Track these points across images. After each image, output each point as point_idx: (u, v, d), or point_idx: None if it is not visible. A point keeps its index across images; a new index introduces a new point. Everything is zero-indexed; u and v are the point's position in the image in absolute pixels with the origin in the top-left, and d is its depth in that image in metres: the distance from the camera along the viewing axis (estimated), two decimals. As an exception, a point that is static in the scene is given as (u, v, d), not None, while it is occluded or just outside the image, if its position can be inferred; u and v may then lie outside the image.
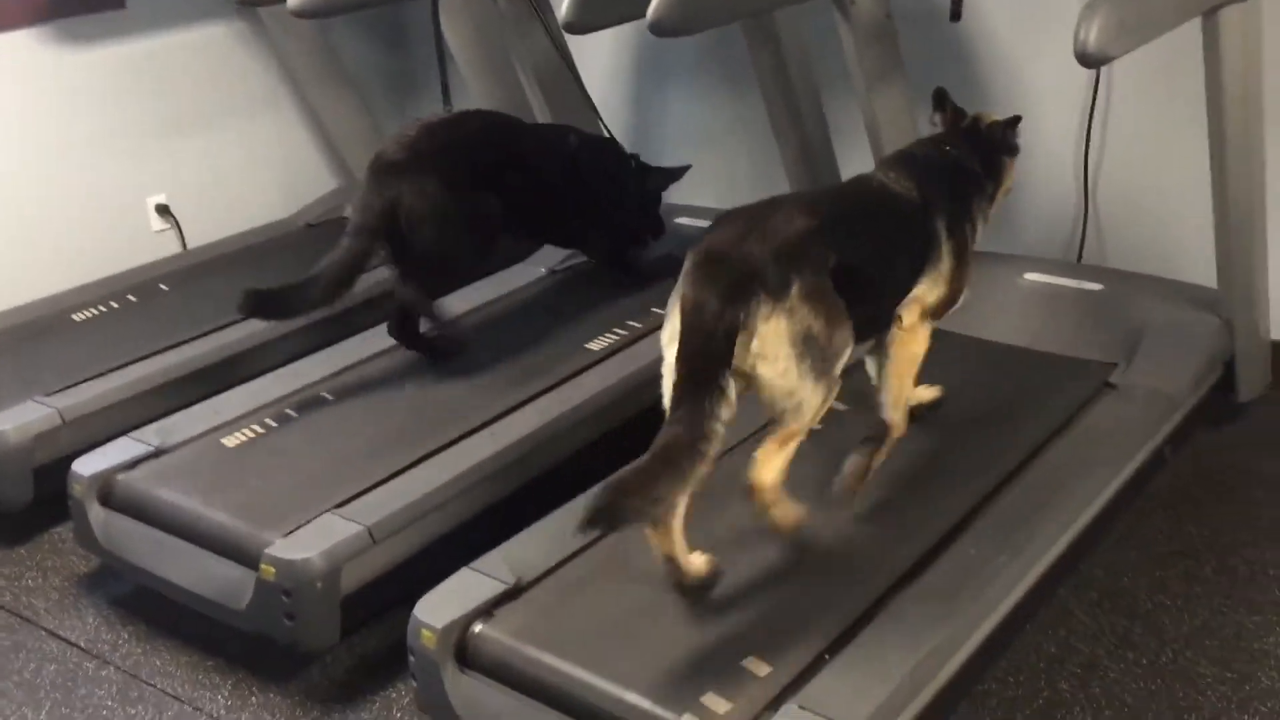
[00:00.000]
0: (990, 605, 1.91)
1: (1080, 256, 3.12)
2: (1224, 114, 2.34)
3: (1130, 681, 2.06)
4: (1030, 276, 2.88)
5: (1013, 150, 2.28)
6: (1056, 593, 2.23)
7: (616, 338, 2.83)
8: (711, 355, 1.72)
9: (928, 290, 2.10)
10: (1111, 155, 3.04)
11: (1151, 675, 2.07)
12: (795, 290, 1.76)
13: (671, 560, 1.88)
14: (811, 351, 1.78)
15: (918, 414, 2.29)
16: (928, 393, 2.37)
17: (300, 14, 2.81)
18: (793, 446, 1.86)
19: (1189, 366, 2.52)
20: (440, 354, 2.76)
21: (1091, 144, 3.03)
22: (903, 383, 2.14)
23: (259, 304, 2.62)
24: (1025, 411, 2.42)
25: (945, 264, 2.11)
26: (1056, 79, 2.96)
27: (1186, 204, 2.80)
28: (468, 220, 2.67)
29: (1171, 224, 2.94)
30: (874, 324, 2.08)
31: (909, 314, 2.10)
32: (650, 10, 2.22)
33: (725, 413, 1.71)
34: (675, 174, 3.17)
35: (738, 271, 1.76)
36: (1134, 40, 2.03)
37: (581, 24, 2.42)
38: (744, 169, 3.57)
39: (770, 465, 1.84)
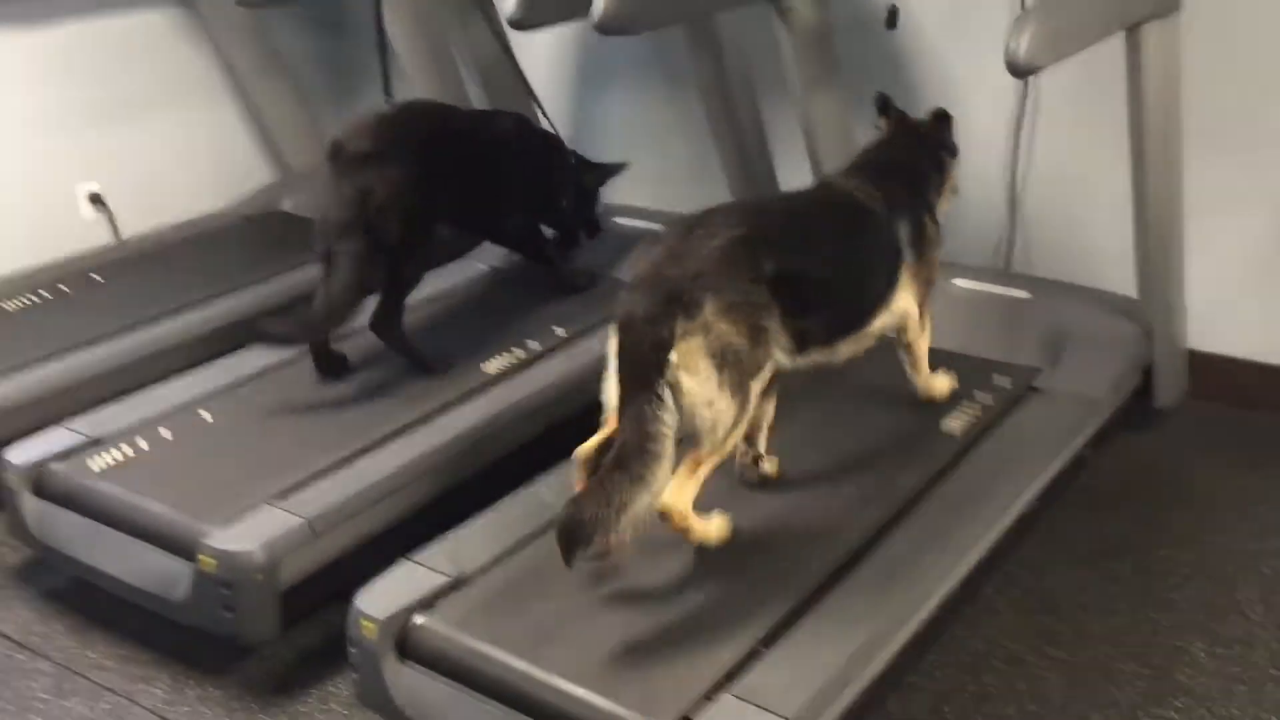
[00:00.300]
0: (919, 600, 1.97)
1: (1008, 264, 3.21)
2: (1144, 127, 2.43)
3: (1053, 676, 2.13)
4: (959, 282, 2.96)
5: (952, 150, 2.40)
6: (983, 590, 2.31)
7: (557, 337, 2.86)
8: (644, 367, 1.82)
9: (908, 294, 2.25)
10: (1039, 165, 3.13)
11: (1073, 670, 2.15)
12: (709, 308, 1.84)
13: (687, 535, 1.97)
14: (730, 363, 1.86)
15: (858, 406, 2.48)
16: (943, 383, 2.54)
17: (244, 3, 2.79)
18: (704, 472, 1.92)
19: (1109, 372, 2.62)
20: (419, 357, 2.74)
21: (1020, 154, 3.12)
22: (922, 369, 2.44)
23: (267, 330, 2.57)
24: (953, 413, 2.50)
25: (912, 262, 2.24)
26: (987, 89, 3.05)
27: (1110, 214, 2.90)
28: (430, 211, 2.66)
29: (1096, 234, 3.03)
30: (849, 324, 2.17)
31: (909, 325, 2.30)
32: (598, 9, 2.27)
33: (667, 417, 1.80)
34: (613, 170, 3.20)
35: (661, 292, 1.85)
36: (1062, 51, 2.12)
37: (528, 21, 2.46)
38: (682, 169, 3.62)
39: (682, 490, 1.90)
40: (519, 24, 2.46)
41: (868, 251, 2.18)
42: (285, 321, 2.65)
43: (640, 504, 1.76)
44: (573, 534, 1.74)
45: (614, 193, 3.61)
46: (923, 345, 2.40)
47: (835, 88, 2.92)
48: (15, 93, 3.46)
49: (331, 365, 2.69)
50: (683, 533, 1.95)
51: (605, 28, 2.29)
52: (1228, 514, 2.57)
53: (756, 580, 1.98)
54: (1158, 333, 2.71)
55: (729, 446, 1.93)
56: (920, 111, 2.47)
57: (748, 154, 3.15)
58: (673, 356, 1.81)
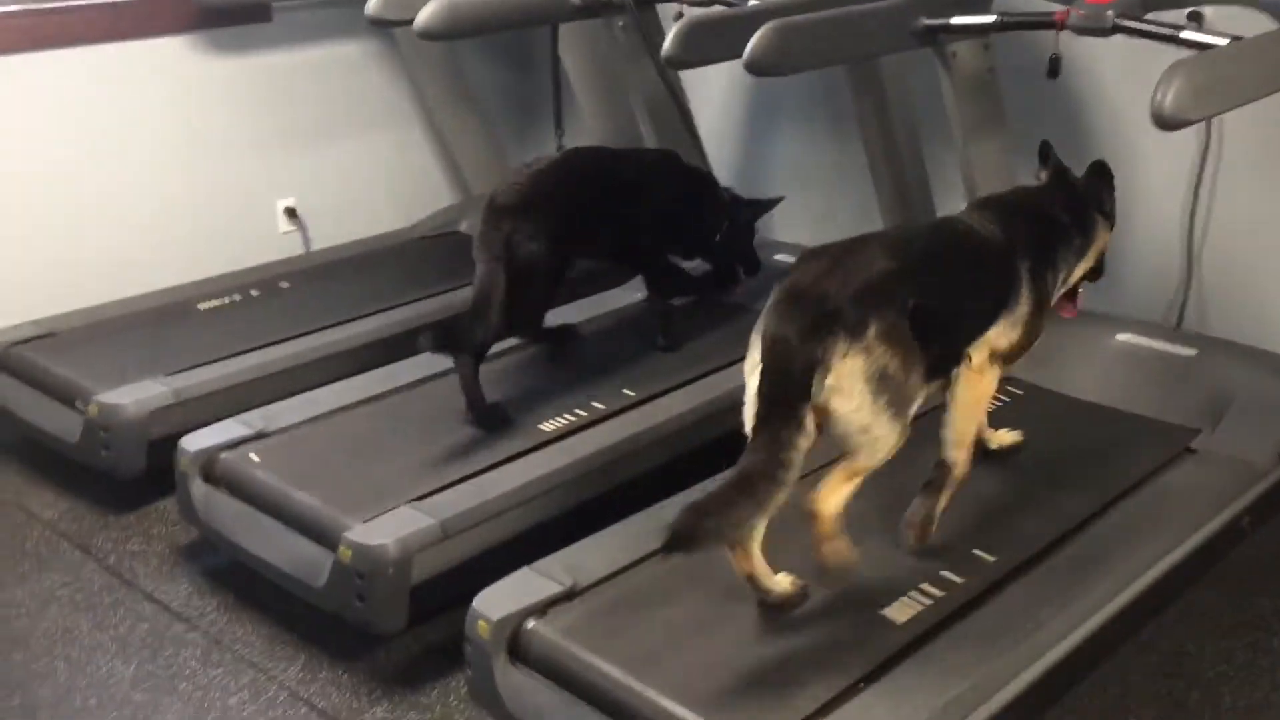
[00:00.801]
0: (1031, 655, 1.92)
1: (1180, 322, 3.08)
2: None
3: (1180, 747, 2.05)
4: (1122, 337, 2.86)
5: (1106, 212, 2.31)
6: (1116, 652, 2.22)
7: (705, 363, 2.90)
8: (790, 389, 1.79)
9: (1001, 333, 2.12)
10: (1218, 219, 3.00)
11: (1203, 742, 2.06)
12: (873, 330, 1.81)
13: (753, 580, 1.96)
14: (887, 390, 1.83)
15: (994, 455, 2.36)
16: (1008, 436, 2.43)
17: (425, 36, 2.97)
18: (858, 481, 1.91)
19: (1273, 437, 2.49)
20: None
21: (1198, 206, 3.00)
22: (968, 424, 2.16)
23: (432, 337, 2.67)
24: (1100, 468, 2.42)
25: (1023, 309, 2.14)
26: (1164, 140, 2.91)
27: (1289, 274, 2.77)
28: (564, 263, 2.78)
29: (1273, 294, 2.89)
30: (948, 363, 2.10)
31: (978, 355, 2.12)
32: (747, 50, 2.32)
33: (803, 443, 1.78)
34: (768, 205, 3.23)
35: (817, 309, 1.82)
36: (1214, 107, 2.04)
37: (682, 59, 2.53)
38: (843, 209, 3.62)
39: (834, 494, 1.89)
40: (673, 62, 2.54)
41: (982, 290, 2.11)
42: (440, 327, 2.74)
43: (753, 525, 1.79)
44: (683, 537, 1.75)
45: (778, 230, 3.66)
46: (980, 389, 2.14)
47: (998, 134, 2.89)
48: (227, 113, 3.75)
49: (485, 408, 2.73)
50: (820, 539, 1.89)
51: (754, 68, 2.35)
52: (1398, 598, 2.40)
53: (866, 617, 1.97)
54: (1330, 400, 2.56)
55: (883, 461, 1.91)
56: (1086, 160, 2.41)
57: (908, 196, 3.14)
58: (829, 380, 1.79)
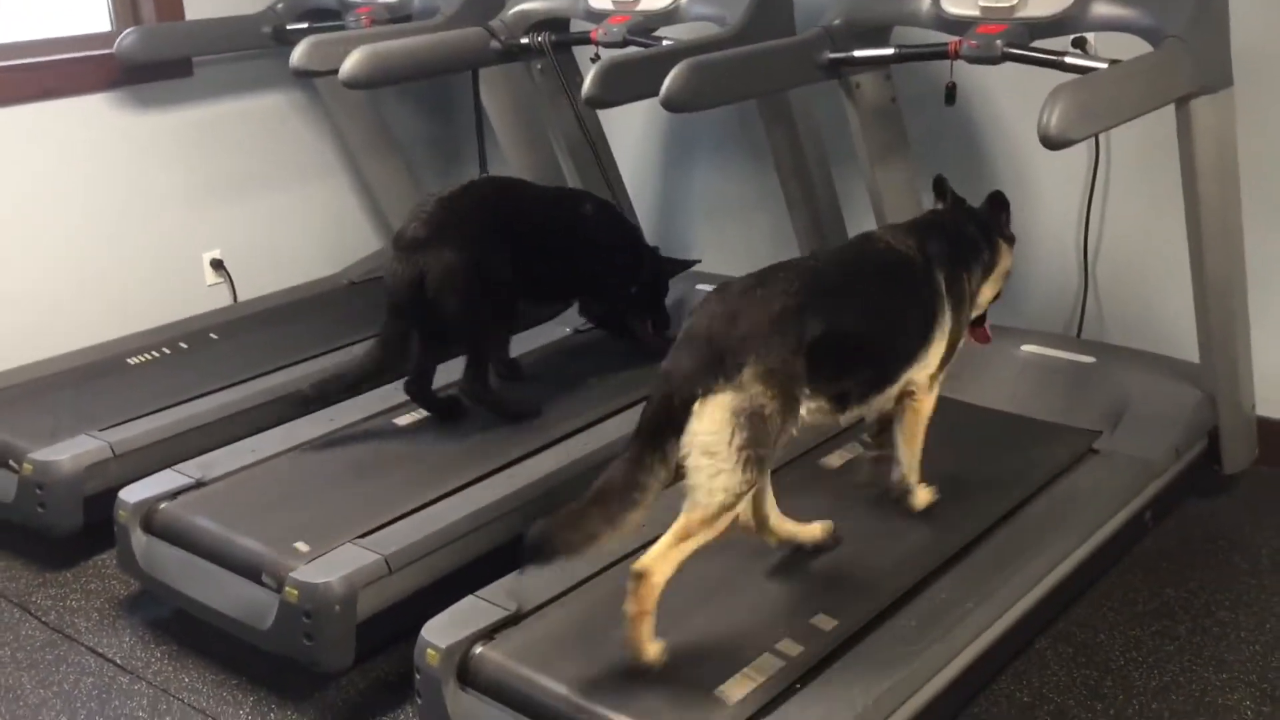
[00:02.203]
0: (955, 648, 2.03)
1: (1080, 332, 3.25)
2: (1198, 198, 2.48)
3: (1097, 730, 2.16)
4: (1027, 348, 3.01)
5: (1006, 235, 2.43)
6: (1033, 645, 2.35)
7: (628, 397, 2.99)
8: (665, 420, 1.88)
9: (934, 352, 2.25)
10: (1110, 232, 3.18)
11: (1118, 725, 2.18)
12: (747, 373, 1.88)
13: (796, 541, 2.18)
14: (749, 428, 1.86)
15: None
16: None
17: (350, 85, 3.04)
18: (690, 547, 1.90)
19: (1168, 436, 2.65)
20: (449, 413, 2.92)
21: (1091, 223, 3.18)
22: (917, 443, 2.33)
23: (322, 393, 2.84)
24: (1010, 472, 2.56)
25: (946, 321, 2.26)
26: (1056, 159, 3.08)
27: (1182, 281, 2.93)
28: (485, 287, 2.83)
29: (1165, 301, 3.07)
30: (880, 383, 2.20)
31: (920, 382, 2.26)
32: (663, 89, 2.44)
33: (662, 473, 1.87)
34: (685, 265, 3.32)
35: (706, 350, 1.90)
36: (1096, 126, 2.20)
37: (601, 99, 2.63)
38: (762, 238, 3.75)
39: (664, 558, 1.89)
40: (594, 102, 2.64)
41: (903, 306, 2.20)
42: (314, 386, 2.87)
43: (605, 540, 1.85)
44: (538, 550, 1.86)
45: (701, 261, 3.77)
46: (926, 409, 2.30)
47: (902, 160, 3.04)
48: (152, 168, 3.78)
49: (442, 409, 2.91)
50: (633, 615, 1.90)
51: (670, 105, 2.46)
52: (1293, 580, 2.57)
53: (797, 622, 2.07)
54: (1221, 399, 2.72)
55: (720, 525, 1.90)
56: (989, 186, 2.54)
57: (822, 221, 3.27)
58: (695, 406, 1.86)
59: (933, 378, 2.28)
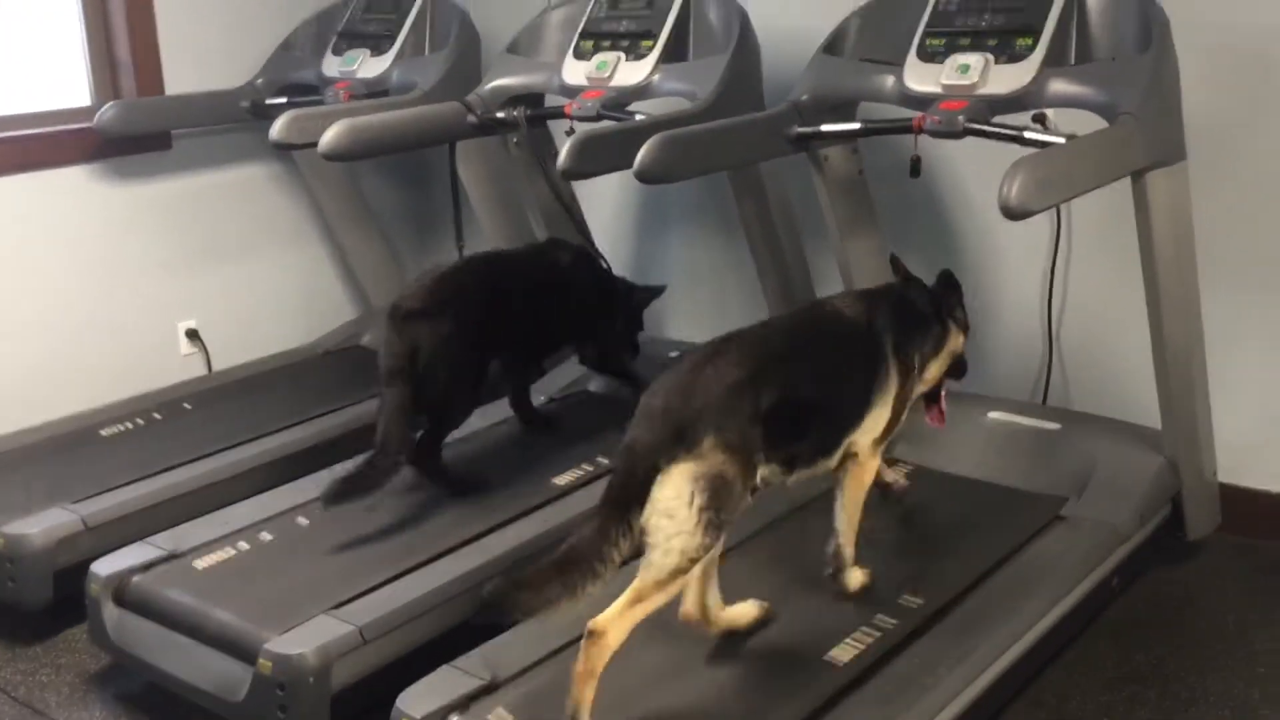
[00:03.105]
0: (927, 715, 2.04)
1: (1045, 398, 3.31)
2: (1155, 268, 2.55)
3: (1069, 797, 2.18)
4: (993, 415, 3.07)
5: (957, 318, 2.46)
6: (1005, 711, 2.37)
7: (602, 465, 3.02)
8: (630, 492, 1.92)
9: (877, 417, 2.27)
10: (1073, 302, 3.25)
11: (1090, 791, 2.19)
12: (707, 444, 1.92)
13: (728, 629, 2.17)
14: (709, 492, 1.91)
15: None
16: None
17: (329, 157, 3.09)
18: (644, 610, 1.93)
19: (1133, 502, 2.69)
20: (455, 486, 2.93)
21: (1054, 292, 3.25)
22: (856, 510, 2.33)
23: (342, 493, 2.72)
24: (977, 539, 2.59)
25: (891, 386, 2.29)
26: (1020, 230, 3.17)
27: (1140, 349, 3.00)
28: (474, 363, 2.89)
29: (1128, 367, 3.13)
30: (828, 446, 2.24)
31: (861, 446, 2.28)
32: (636, 161, 2.50)
33: (625, 545, 1.90)
34: (656, 292, 3.38)
35: (667, 425, 1.95)
36: (1054, 198, 2.27)
37: (577, 171, 2.69)
38: (734, 304, 3.81)
39: (619, 620, 1.92)
40: (570, 174, 2.70)
41: (850, 370, 2.24)
42: (348, 481, 2.75)
43: (560, 607, 1.88)
44: (495, 606, 1.91)
45: (671, 327, 3.83)
46: (866, 478, 2.32)
47: (870, 230, 3.11)
48: (129, 239, 3.81)
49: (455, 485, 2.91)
50: (582, 673, 1.92)
51: (644, 177, 2.52)
52: (1257, 644, 2.59)
53: (769, 686, 2.09)
54: (1183, 465, 2.77)
55: (674, 588, 1.94)
56: (954, 255, 2.61)
57: (792, 289, 3.33)
58: (659, 477, 1.90)
59: (876, 443, 2.30)
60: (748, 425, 1.99)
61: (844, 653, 2.20)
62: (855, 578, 2.38)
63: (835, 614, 2.32)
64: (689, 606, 2.17)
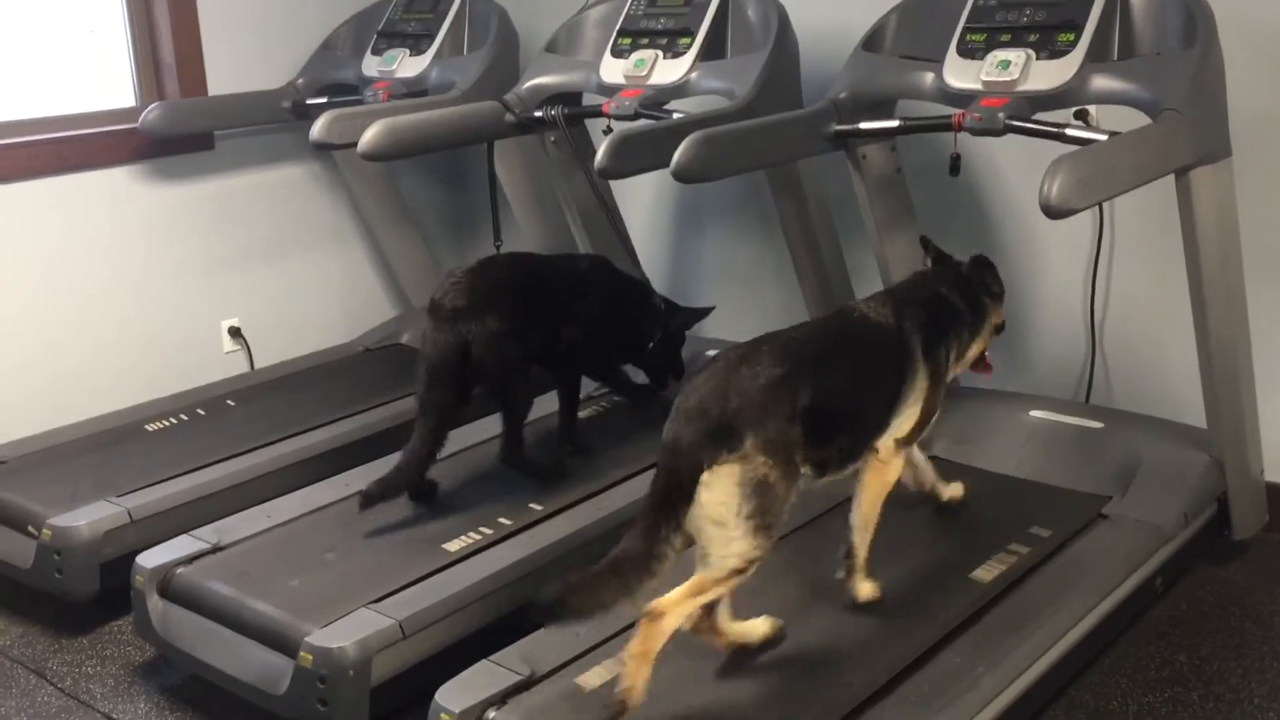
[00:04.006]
0: (967, 714, 2.03)
1: (1088, 397, 3.28)
2: (1200, 267, 2.52)
3: (1111, 798, 2.16)
4: (1035, 413, 3.04)
5: (993, 293, 2.46)
6: (1045, 712, 2.35)
7: (638, 462, 3.01)
8: (675, 490, 1.93)
9: (905, 418, 2.27)
10: (1116, 300, 3.22)
11: (1132, 793, 2.17)
12: (750, 442, 1.93)
13: (738, 644, 2.13)
14: (756, 497, 1.93)
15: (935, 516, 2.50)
16: (955, 489, 2.57)
17: (368, 157, 3.12)
18: (702, 600, 1.98)
19: (1177, 502, 2.66)
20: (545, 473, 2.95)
21: (1097, 290, 3.22)
22: (874, 509, 2.28)
23: (385, 491, 2.75)
24: (1021, 536, 2.57)
25: (920, 389, 2.27)
26: (1061, 227, 3.15)
27: (1185, 347, 2.97)
28: (525, 352, 2.88)
29: (1172, 366, 3.09)
30: (853, 453, 2.22)
31: (885, 445, 2.27)
32: (673, 160, 2.50)
33: (678, 542, 1.91)
34: (700, 314, 3.33)
35: (705, 423, 1.95)
36: (1096, 196, 2.25)
37: (615, 170, 2.69)
38: (772, 304, 3.80)
39: (680, 604, 1.95)
40: (606, 173, 2.70)
41: (879, 374, 2.23)
42: (381, 481, 2.78)
43: (619, 609, 1.89)
44: (549, 610, 1.91)
45: (708, 327, 3.82)
46: (888, 479, 2.28)
47: (909, 228, 3.09)
48: (173, 238, 3.86)
49: (423, 493, 2.88)
50: (636, 655, 1.93)
51: (681, 176, 2.52)
52: (1306, 646, 2.56)
53: (799, 692, 2.08)
54: (1229, 464, 2.74)
55: (732, 583, 1.97)
56: (995, 253, 2.59)
57: (830, 288, 3.32)
58: (705, 476, 1.91)
59: (900, 443, 2.28)
60: (786, 425, 1.99)
61: (888, 646, 2.19)
62: (865, 589, 2.32)
63: (879, 607, 2.31)
64: (699, 620, 2.11)
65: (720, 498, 1.92)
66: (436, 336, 2.80)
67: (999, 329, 2.50)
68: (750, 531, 1.93)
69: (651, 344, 3.24)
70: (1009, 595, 2.38)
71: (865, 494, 2.28)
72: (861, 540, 2.30)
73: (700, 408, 1.99)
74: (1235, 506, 2.78)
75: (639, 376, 3.33)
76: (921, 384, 2.27)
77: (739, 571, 1.95)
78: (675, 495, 1.93)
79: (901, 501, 2.48)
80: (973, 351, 2.43)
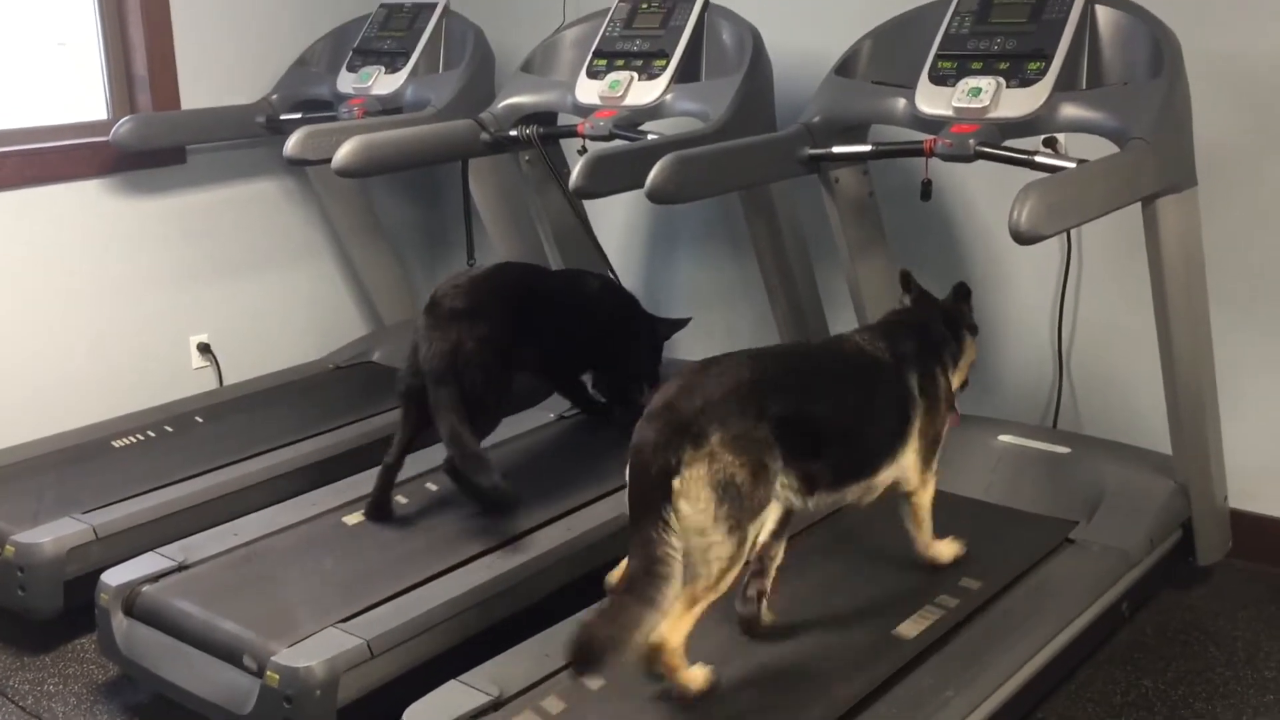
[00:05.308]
0: (936, 736, 2.04)
1: (1055, 422, 3.31)
2: (1165, 294, 2.55)
3: (1076, 822, 2.17)
4: (1003, 438, 3.06)
5: (971, 327, 2.51)
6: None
7: (609, 483, 3.01)
8: (652, 492, 1.95)
9: (910, 448, 2.32)
10: (1084, 326, 3.25)
11: (1097, 817, 2.18)
12: (715, 439, 1.96)
13: (672, 674, 2.08)
14: (729, 499, 1.96)
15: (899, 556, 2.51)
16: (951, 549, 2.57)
17: (342, 173, 3.10)
18: (700, 609, 2.01)
19: (1143, 527, 2.68)
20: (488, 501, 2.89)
21: (1065, 315, 3.25)
22: (925, 527, 2.46)
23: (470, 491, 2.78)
24: (986, 562, 2.58)
25: (919, 418, 2.33)
26: (1030, 254, 3.20)
27: (1151, 373, 3.00)
28: (510, 366, 2.87)
29: (1139, 392, 3.13)
30: (855, 472, 2.25)
31: (911, 480, 2.35)
32: (648, 181, 2.52)
33: (674, 539, 1.92)
34: (678, 325, 3.39)
35: (671, 420, 1.98)
36: (1064, 222, 2.27)
37: (590, 190, 2.70)
38: (743, 326, 3.82)
39: (675, 627, 1.99)
40: (582, 192, 2.70)
41: (874, 401, 2.27)
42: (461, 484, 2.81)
43: (649, 623, 1.88)
44: (585, 652, 1.87)
45: (681, 348, 3.83)
46: (924, 501, 2.43)
47: (881, 252, 3.12)
48: (143, 252, 3.84)
49: (382, 512, 2.87)
50: (668, 672, 2.02)
51: (654, 197, 2.53)
52: (1267, 671, 2.58)
53: (776, 708, 2.08)
54: (1193, 490, 2.77)
55: (724, 585, 2.01)
56: (964, 278, 2.62)
57: (802, 311, 3.34)
58: (676, 483, 1.93)
59: (922, 474, 2.38)
60: (753, 424, 2.01)
61: (855, 670, 2.20)
62: (945, 551, 2.52)
63: (843, 637, 2.31)
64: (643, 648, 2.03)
65: (697, 505, 1.94)
66: (431, 335, 2.79)
67: (970, 365, 2.54)
68: (727, 533, 1.96)
69: (638, 355, 3.28)
70: (976, 619, 2.39)
71: (913, 514, 2.44)
72: (925, 543, 2.48)
73: (666, 408, 2.01)
74: (1200, 532, 2.81)
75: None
76: (919, 414, 2.32)
77: (726, 571, 1.99)
78: (652, 497, 1.94)
79: (867, 526, 2.50)
80: (955, 382, 2.47)
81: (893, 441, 2.30)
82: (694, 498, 1.95)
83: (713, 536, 1.96)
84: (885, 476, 2.31)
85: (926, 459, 2.37)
